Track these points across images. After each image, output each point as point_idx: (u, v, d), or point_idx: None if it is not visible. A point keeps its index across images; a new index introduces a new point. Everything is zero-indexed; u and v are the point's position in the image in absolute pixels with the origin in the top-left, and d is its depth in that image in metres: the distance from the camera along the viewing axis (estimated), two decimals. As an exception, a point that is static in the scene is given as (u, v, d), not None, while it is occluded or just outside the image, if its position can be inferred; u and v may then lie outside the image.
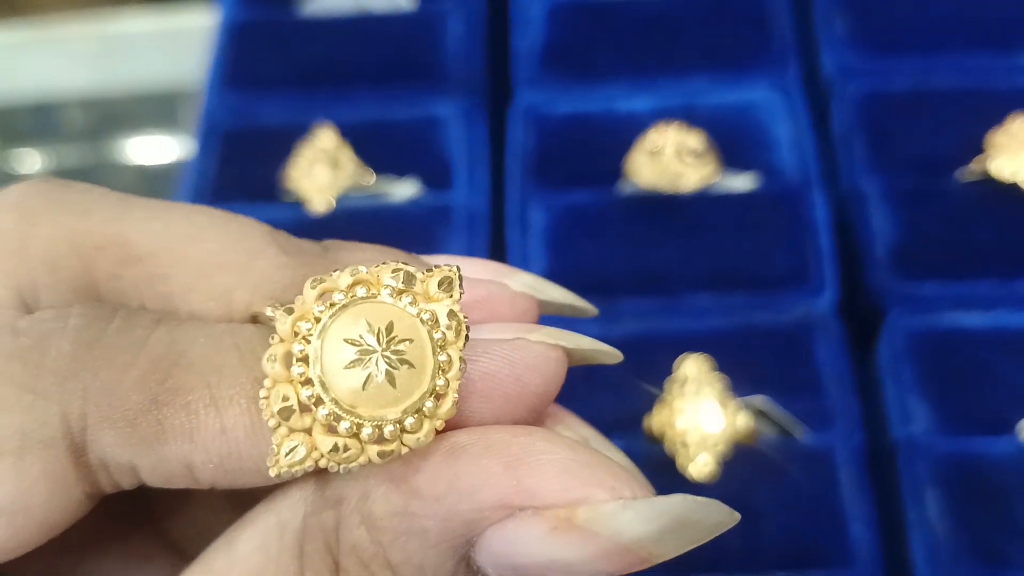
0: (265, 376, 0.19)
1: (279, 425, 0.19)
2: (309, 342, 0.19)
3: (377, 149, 0.53)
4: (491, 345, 0.20)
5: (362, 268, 0.19)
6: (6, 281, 0.21)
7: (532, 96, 0.55)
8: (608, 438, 0.25)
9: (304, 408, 0.19)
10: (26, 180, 0.22)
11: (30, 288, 0.21)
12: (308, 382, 0.18)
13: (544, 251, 0.50)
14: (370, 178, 0.52)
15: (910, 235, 0.48)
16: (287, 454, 0.19)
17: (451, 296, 0.19)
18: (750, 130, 0.53)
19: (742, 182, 0.51)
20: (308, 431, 0.19)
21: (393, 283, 0.19)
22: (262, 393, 0.19)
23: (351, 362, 0.18)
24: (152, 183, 0.71)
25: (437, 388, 0.19)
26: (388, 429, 0.18)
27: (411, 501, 0.19)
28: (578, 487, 0.18)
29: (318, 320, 0.19)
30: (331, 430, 0.19)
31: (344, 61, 0.57)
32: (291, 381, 0.19)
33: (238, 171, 0.54)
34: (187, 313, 0.21)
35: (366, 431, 0.18)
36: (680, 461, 0.43)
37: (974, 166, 0.49)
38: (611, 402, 0.45)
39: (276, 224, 0.23)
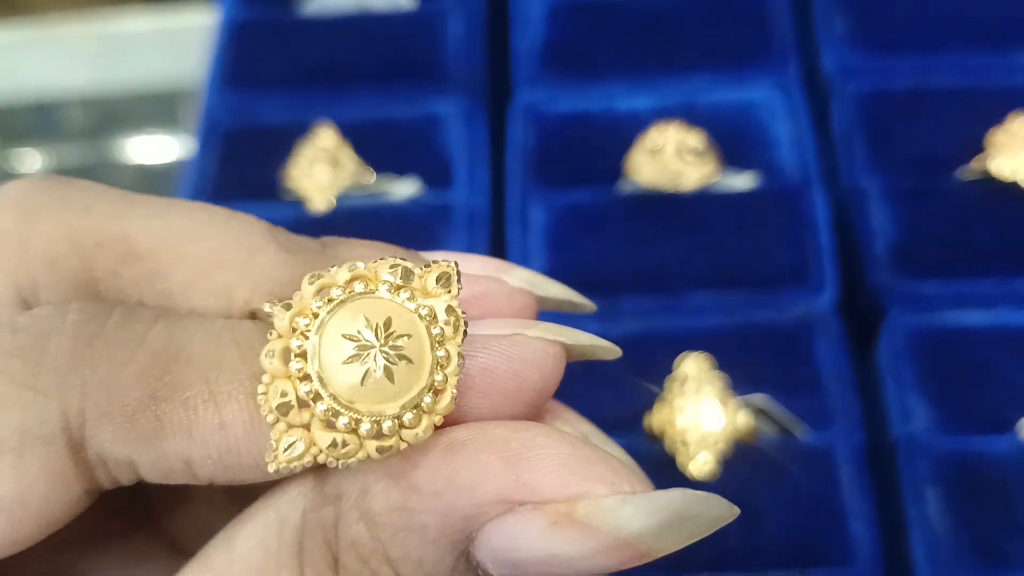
0: (263, 372, 0.19)
1: (277, 421, 0.19)
2: (307, 338, 0.19)
3: (377, 148, 0.53)
4: (489, 341, 0.20)
5: (360, 264, 0.19)
6: (6, 279, 0.21)
7: (532, 95, 0.55)
8: (608, 436, 0.25)
9: (302, 404, 0.19)
10: (26, 178, 0.22)
11: (30, 286, 0.21)
12: (306, 378, 0.18)
13: (544, 250, 0.50)
14: (370, 177, 0.52)
15: (910, 234, 0.48)
16: (286, 449, 0.19)
17: (449, 292, 0.19)
18: (750, 129, 0.53)
19: (742, 181, 0.51)
20: (307, 427, 0.19)
21: (391, 279, 0.19)
22: (260, 389, 0.19)
23: (349, 358, 0.18)
24: (152, 182, 0.71)
25: (435, 383, 0.19)
26: (387, 424, 0.18)
27: (410, 497, 0.19)
28: (578, 482, 0.18)
29: (316, 316, 0.19)
30: (329, 425, 0.19)
31: (344, 60, 0.57)
32: (289, 377, 0.19)
33: (238, 170, 0.54)
34: (187, 310, 0.21)
35: (364, 426, 0.18)
36: (680, 459, 0.43)
37: (974, 165, 0.49)
38: (611, 400, 0.45)
39: (276, 223, 0.23)
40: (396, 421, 0.19)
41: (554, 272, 0.48)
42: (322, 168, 0.52)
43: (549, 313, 0.25)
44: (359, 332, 0.19)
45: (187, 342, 0.19)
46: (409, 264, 0.20)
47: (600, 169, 0.52)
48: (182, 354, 0.19)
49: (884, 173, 0.50)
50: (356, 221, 0.51)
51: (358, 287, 0.19)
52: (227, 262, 0.21)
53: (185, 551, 0.24)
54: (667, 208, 0.50)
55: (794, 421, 0.44)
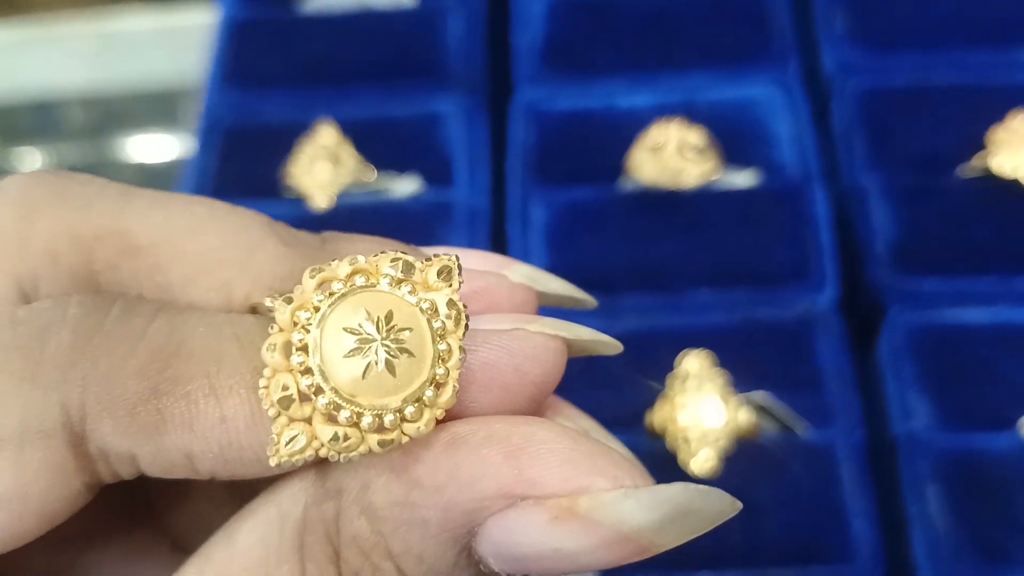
0: (265, 365, 0.19)
1: (279, 414, 0.18)
2: (308, 331, 0.18)
3: (378, 146, 0.53)
4: (490, 335, 0.20)
5: (361, 258, 0.19)
6: (6, 274, 0.21)
7: (533, 93, 0.55)
8: (609, 432, 0.25)
9: (304, 397, 0.18)
10: (26, 173, 0.22)
11: (30, 280, 0.21)
12: (308, 371, 0.18)
13: (545, 247, 0.50)
14: (371, 175, 0.52)
15: (911, 231, 0.48)
16: (287, 443, 0.18)
17: (450, 285, 0.19)
18: (751, 126, 0.53)
19: (743, 178, 0.51)
20: (308, 420, 0.19)
21: (392, 272, 0.19)
22: (262, 382, 0.19)
23: (351, 351, 0.18)
24: (153, 181, 0.71)
25: (437, 377, 0.19)
26: (388, 418, 0.18)
27: (411, 491, 0.19)
28: (579, 476, 0.18)
29: (317, 309, 0.19)
30: (331, 419, 0.18)
31: (345, 58, 0.57)
32: (291, 370, 0.18)
33: (239, 168, 0.54)
34: (187, 304, 0.21)
35: (366, 420, 0.18)
36: (682, 456, 0.43)
37: (975, 162, 0.49)
38: (612, 398, 0.45)
39: (277, 220, 0.23)
40: (398, 415, 0.18)
41: (555, 269, 0.48)
42: (323, 166, 0.51)
43: (549, 309, 0.25)
44: (360, 326, 0.19)
45: (188, 336, 0.19)
46: (410, 258, 0.19)
47: (601, 167, 0.52)
48: (183, 348, 0.19)
49: (884, 171, 0.50)
50: (357, 219, 0.51)
51: (359, 281, 0.19)
52: (227, 256, 0.21)
53: (186, 548, 0.24)
54: (668, 206, 0.50)
55: (795, 418, 0.44)
